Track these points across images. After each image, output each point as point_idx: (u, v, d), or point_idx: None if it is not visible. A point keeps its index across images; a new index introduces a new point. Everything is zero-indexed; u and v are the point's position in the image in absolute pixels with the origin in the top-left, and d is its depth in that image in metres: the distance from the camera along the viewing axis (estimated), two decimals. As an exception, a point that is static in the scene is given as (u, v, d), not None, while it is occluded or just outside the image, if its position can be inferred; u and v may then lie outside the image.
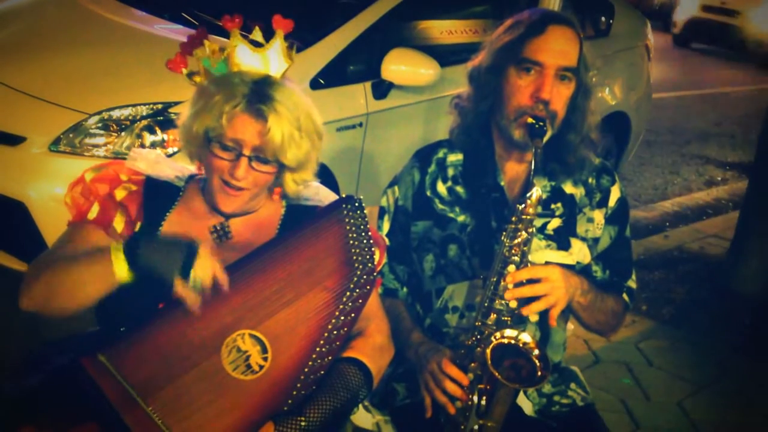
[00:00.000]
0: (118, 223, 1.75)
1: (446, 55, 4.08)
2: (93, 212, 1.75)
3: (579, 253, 2.02)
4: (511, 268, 1.79)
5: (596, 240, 2.05)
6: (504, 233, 1.82)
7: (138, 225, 1.77)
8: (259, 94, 1.70)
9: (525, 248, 1.81)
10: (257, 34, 1.76)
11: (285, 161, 1.74)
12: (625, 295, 2.07)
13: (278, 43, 1.76)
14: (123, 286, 1.58)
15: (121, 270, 1.54)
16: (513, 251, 1.80)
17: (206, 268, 1.55)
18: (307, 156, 1.78)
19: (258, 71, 1.75)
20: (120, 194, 1.78)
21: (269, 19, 1.80)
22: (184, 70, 1.77)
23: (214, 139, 1.71)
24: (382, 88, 3.85)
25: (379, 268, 1.87)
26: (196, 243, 1.57)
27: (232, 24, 1.76)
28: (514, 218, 1.81)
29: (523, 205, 1.80)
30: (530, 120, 1.87)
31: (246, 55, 1.74)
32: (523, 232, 1.80)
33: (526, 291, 1.79)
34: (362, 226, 1.78)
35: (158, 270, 1.53)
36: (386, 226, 2.10)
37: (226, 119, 1.68)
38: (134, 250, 1.55)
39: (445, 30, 4.39)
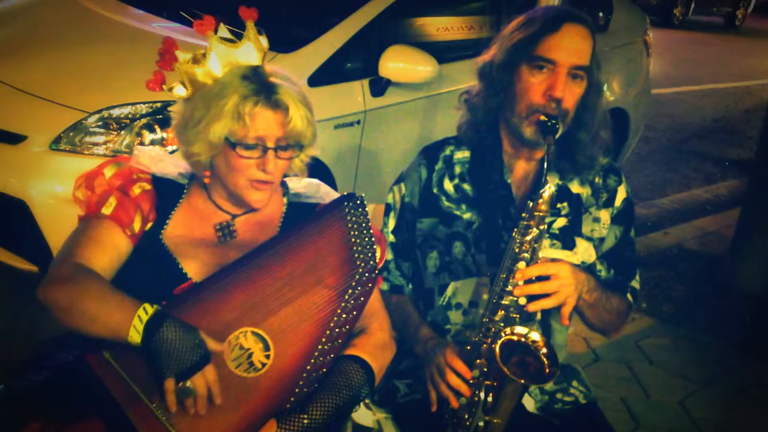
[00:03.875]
0: (137, 223, 1.75)
1: (443, 52, 4.08)
2: (109, 208, 1.74)
3: (584, 252, 2.01)
4: (521, 264, 1.79)
5: (602, 240, 2.04)
6: (515, 229, 1.81)
7: (149, 225, 1.77)
8: (266, 85, 1.70)
9: (536, 245, 1.80)
10: (224, 31, 1.75)
11: (305, 141, 1.76)
12: (629, 295, 2.07)
13: (252, 33, 1.77)
14: (129, 283, 1.59)
15: (134, 336, 1.52)
16: (524, 247, 1.79)
17: (204, 381, 1.53)
18: (315, 127, 1.79)
19: (243, 64, 1.75)
20: (136, 191, 1.78)
21: (268, 16, 1.80)
22: (165, 87, 1.76)
23: (237, 141, 1.70)
24: (379, 86, 3.84)
25: (380, 266, 1.87)
26: (210, 354, 1.55)
27: (247, 15, 1.76)
28: (525, 214, 1.80)
29: (536, 202, 1.79)
30: (542, 118, 1.86)
31: (226, 53, 1.74)
32: (535, 229, 1.79)
33: (536, 288, 1.78)
34: (364, 224, 1.78)
35: (163, 357, 1.51)
36: (392, 222, 2.10)
37: (248, 119, 1.68)
38: (156, 327, 1.52)
39: (441, 27, 4.39)
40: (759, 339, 3.93)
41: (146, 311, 1.54)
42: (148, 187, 1.80)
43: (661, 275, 4.63)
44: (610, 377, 3.49)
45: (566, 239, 2.00)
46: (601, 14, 5.41)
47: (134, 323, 1.52)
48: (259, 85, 1.70)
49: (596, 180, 2.05)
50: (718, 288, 4.52)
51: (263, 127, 1.69)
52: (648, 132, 7.54)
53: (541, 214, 1.79)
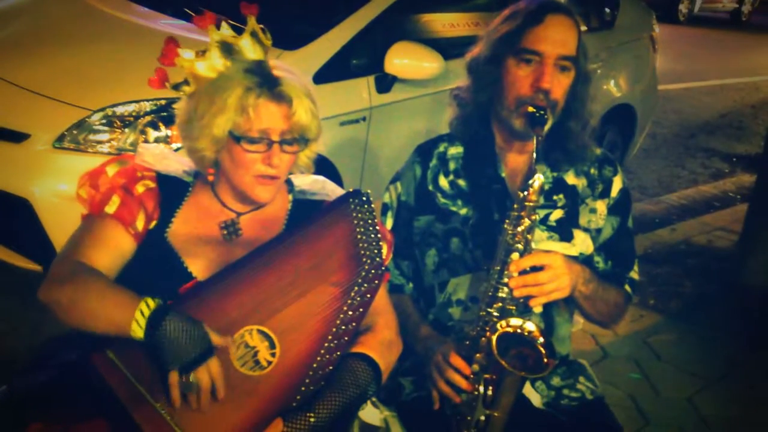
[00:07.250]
0: (140, 221, 1.74)
1: (450, 49, 4.05)
2: (112, 206, 1.72)
3: (582, 244, 2.01)
4: (515, 256, 1.78)
5: (599, 231, 2.04)
6: (507, 221, 1.81)
7: (153, 223, 1.76)
8: (269, 78, 1.69)
9: (528, 236, 1.79)
10: (226, 28, 1.75)
11: (310, 136, 1.75)
12: (627, 286, 2.06)
13: (253, 28, 1.76)
14: (134, 283, 1.59)
15: (136, 331, 1.52)
16: (516, 239, 1.79)
17: (207, 374, 1.52)
18: (319, 122, 1.77)
19: (245, 58, 1.74)
20: (139, 190, 1.76)
21: (273, 13, 1.79)
22: (168, 84, 1.74)
23: (242, 135, 1.68)
24: (385, 82, 3.83)
25: (386, 263, 1.86)
26: (214, 347, 1.54)
27: (248, 10, 1.75)
28: (516, 205, 1.80)
29: (526, 192, 1.79)
30: (531, 109, 1.87)
31: (228, 48, 1.73)
32: (526, 220, 1.79)
33: (530, 279, 1.78)
34: (370, 221, 1.77)
35: (166, 350, 1.50)
36: (389, 222, 2.10)
37: (252, 111, 1.66)
38: (158, 320, 1.51)
39: (448, 23, 4.38)
40: (767, 334, 3.91)
41: (148, 305, 1.53)
42: (152, 185, 1.78)
43: (668, 271, 4.61)
44: (618, 374, 3.48)
45: (564, 231, 1.99)
46: (607, 10, 5.39)
47: (136, 317, 1.51)
48: (262, 78, 1.69)
49: (591, 171, 2.05)
50: (726, 284, 4.51)
51: (267, 120, 1.68)
52: (655, 128, 7.52)
53: (531, 204, 1.79)
